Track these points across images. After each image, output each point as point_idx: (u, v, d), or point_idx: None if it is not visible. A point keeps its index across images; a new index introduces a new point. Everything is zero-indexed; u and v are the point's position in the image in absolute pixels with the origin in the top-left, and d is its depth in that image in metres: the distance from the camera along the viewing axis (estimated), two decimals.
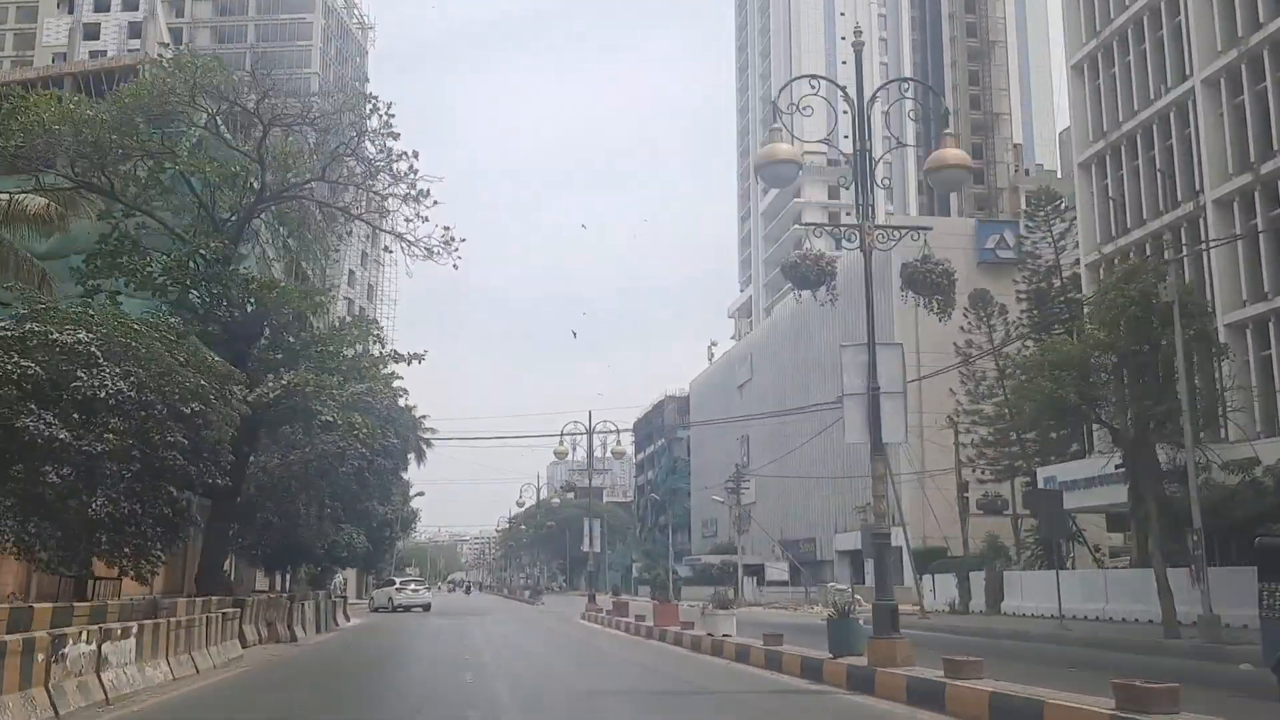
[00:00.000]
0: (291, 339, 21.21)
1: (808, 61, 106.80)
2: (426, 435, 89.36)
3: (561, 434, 35.46)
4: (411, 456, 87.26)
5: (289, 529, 27.82)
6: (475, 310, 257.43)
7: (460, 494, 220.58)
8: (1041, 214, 37.50)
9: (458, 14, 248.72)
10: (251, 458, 25.04)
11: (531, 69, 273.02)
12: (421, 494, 70.64)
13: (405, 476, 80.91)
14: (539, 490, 57.59)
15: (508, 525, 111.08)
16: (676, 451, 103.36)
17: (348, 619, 32.92)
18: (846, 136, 66.69)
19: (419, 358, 22.03)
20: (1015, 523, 45.95)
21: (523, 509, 59.53)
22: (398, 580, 46.28)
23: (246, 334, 21.40)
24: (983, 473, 44.82)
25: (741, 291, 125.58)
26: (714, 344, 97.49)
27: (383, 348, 23.22)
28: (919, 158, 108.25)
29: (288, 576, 38.31)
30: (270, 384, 19.56)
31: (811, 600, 48.98)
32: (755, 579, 58.22)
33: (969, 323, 37.22)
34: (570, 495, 61.59)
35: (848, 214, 75.18)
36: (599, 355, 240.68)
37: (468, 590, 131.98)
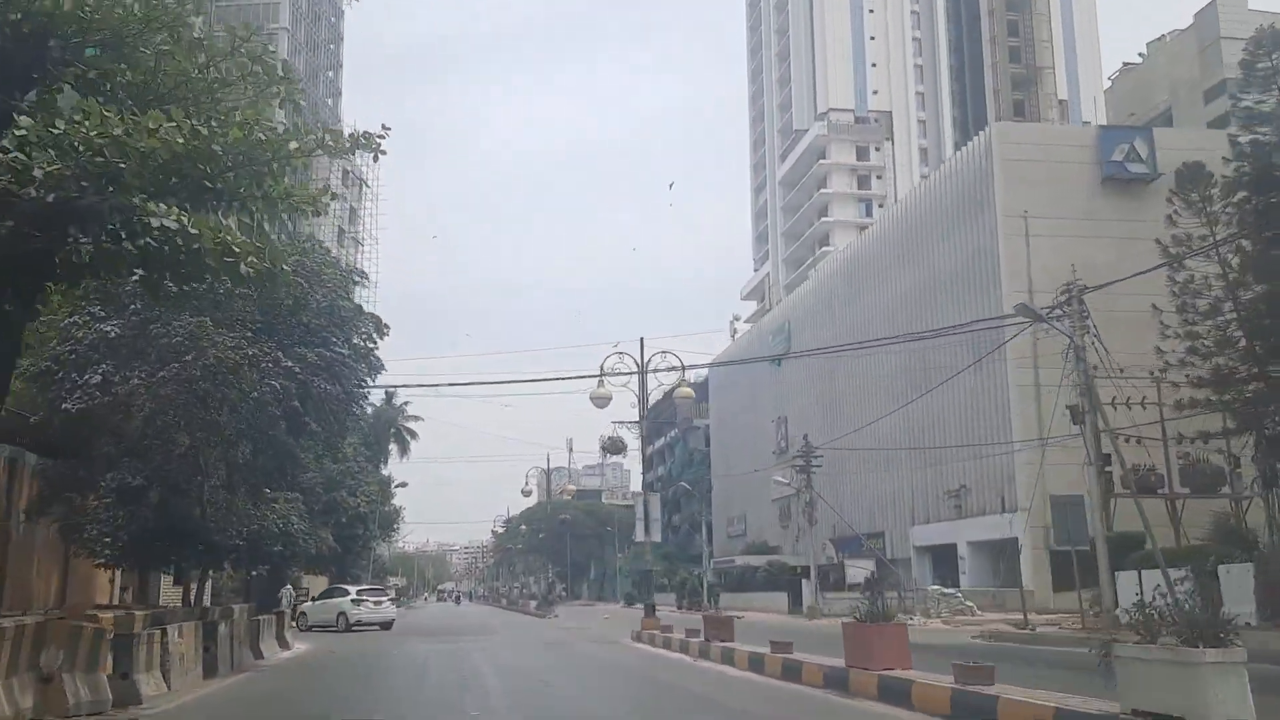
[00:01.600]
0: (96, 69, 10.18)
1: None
2: (410, 423, 78.47)
3: (601, 373, 24.27)
4: (393, 448, 76.47)
5: (171, 503, 16.72)
6: (470, 315, 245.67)
7: (451, 486, 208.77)
8: (1267, 66, 26.57)
9: (438, 23, 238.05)
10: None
11: (510, 78, 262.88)
12: (404, 485, 59.74)
13: (385, 471, 69.95)
14: (549, 475, 46.35)
15: (503, 528, 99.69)
16: (693, 442, 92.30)
17: (286, 646, 21.72)
18: (876, 92, 53.75)
19: (373, 144, 10.86)
20: (1171, 505, 35.22)
21: (528, 498, 48.56)
22: (353, 589, 34.67)
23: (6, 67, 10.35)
24: (1145, 437, 34.15)
25: (756, 270, 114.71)
26: (736, 318, 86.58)
27: (296, 110, 11.80)
28: (953, 92, 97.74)
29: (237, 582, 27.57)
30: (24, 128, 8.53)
31: (909, 608, 37.91)
32: (815, 583, 47.09)
33: (1175, 210, 26.20)
34: (570, 494, 50.52)
35: (879, 177, 64.13)
36: (596, 358, 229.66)
37: (458, 600, 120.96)
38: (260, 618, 20.27)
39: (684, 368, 25.99)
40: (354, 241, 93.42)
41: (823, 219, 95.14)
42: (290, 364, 15.51)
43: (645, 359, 24.60)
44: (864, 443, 47.78)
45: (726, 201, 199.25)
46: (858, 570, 41.09)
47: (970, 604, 36.36)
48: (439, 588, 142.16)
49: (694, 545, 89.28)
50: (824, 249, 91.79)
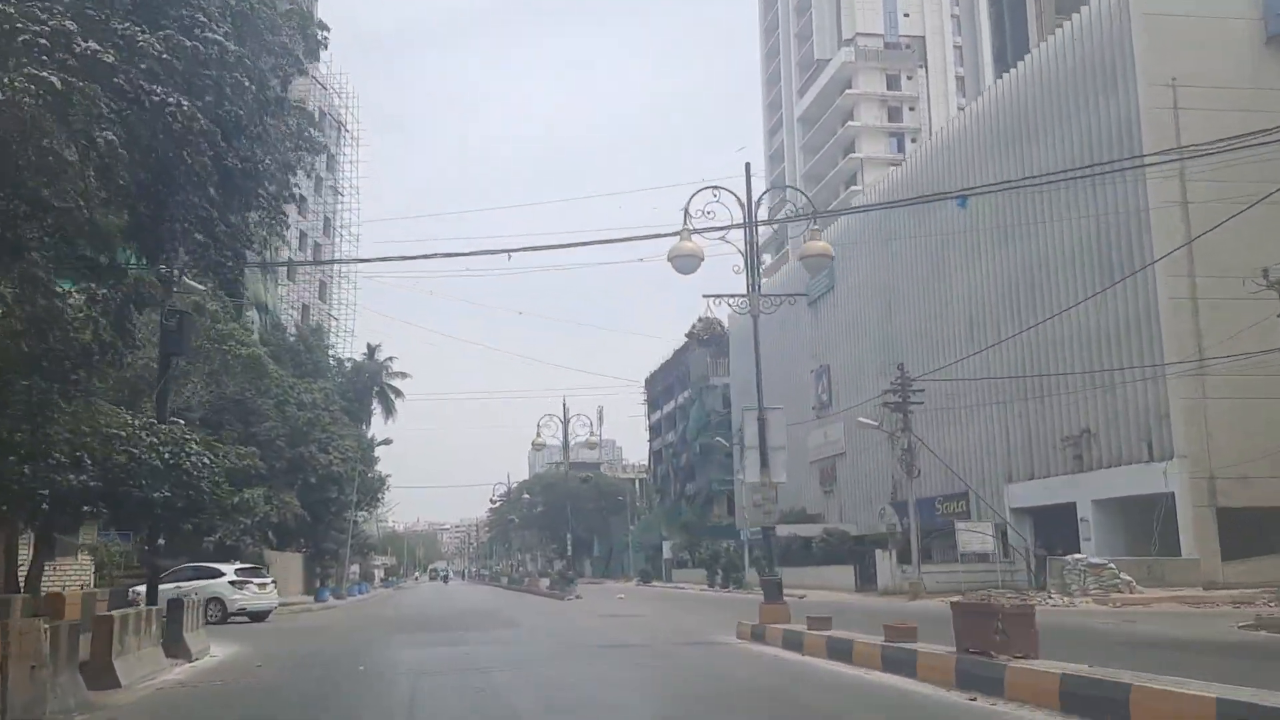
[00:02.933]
0: None
1: None
2: (394, 383, 69.56)
3: (687, 224, 15.09)
4: (377, 408, 67.52)
5: None
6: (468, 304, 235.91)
7: (442, 449, 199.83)
8: None
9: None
10: None
11: (498, 61, 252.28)
12: (387, 442, 50.94)
13: (369, 433, 60.96)
14: (565, 425, 37.49)
15: (500, 501, 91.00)
16: (710, 403, 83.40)
17: (185, 658, 12.94)
18: (907, 15, 40.91)
19: None
20: None
21: (540, 451, 39.55)
22: (230, 568, 25.02)
23: None
24: None
25: None
26: (761, 263, 77.42)
27: None
28: (991, 14, 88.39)
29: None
30: None
31: (1046, 585, 29.30)
32: (893, 555, 38.48)
33: None
34: (593, 445, 41.79)
35: (911, 109, 51.09)
36: (591, 342, 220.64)
37: (445, 579, 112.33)
38: (121, 613, 11.41)
39: (815, 214, 17.19)
40: (333, 190, 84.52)
41: (850, 156, 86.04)
42: (93, 47, 6.56)
43: (753, 199, 15.66)
44: (939, 387, 39.02)
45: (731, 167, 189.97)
46: (972, 536, 32.33)
47: (1127, 578, 27.78)
48: (430, 566, 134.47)
49: (711, 516, 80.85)
50: (852, 189, 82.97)
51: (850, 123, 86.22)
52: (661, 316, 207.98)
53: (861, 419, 35.47)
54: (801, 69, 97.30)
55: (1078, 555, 28.95)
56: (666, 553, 73.10)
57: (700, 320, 20.18)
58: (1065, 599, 27.63)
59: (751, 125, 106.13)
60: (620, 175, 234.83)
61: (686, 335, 18.14)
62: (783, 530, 55.28)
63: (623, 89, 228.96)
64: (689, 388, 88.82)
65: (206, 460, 12.89)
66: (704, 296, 15.34)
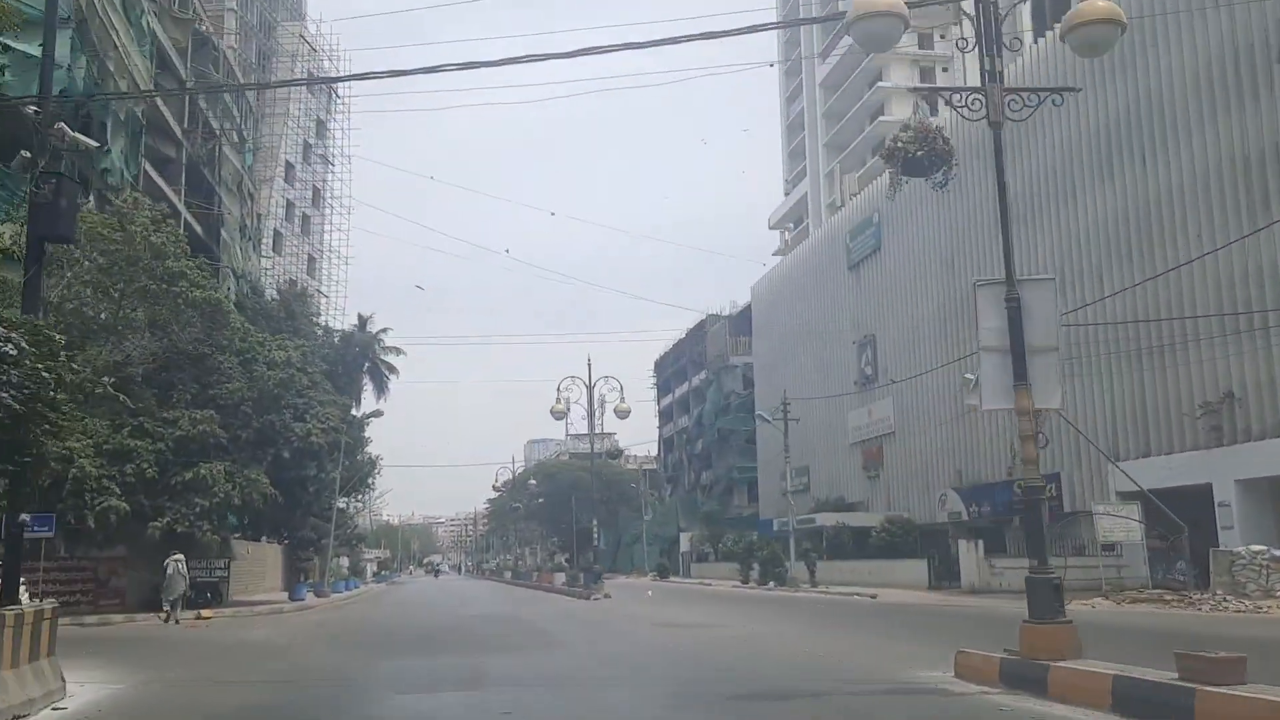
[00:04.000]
0: None
1: None
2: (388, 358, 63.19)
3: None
4: (368, 386, 61.07)
5: None
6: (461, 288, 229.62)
7: (437, 445, 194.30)
8: None
9: None
10: None
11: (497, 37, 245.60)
12: (378, 414, 44.70)
13: (357, 412, 54.60)
14: (591, 388, 31.29)
15: (505, 485, 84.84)
16: (728, 384, 77.17)
17: None
18: None
19: None
20: None
21: (560, 421, 33.20)
22: None
23: None
24: None
25: (788, 194, 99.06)
26: (787, 229, 71.27)
27: None
28: None
29: None
30: None
31: (1211, 584, 23.09)
32: (979, 545, 32.40)
33: None
34: (623, 413, 35.52)
35: (944, 69, 42.80)
36: (589, 327, 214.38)
37: (437, 573, 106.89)
38: None
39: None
40: (322, 159, 78.24)
41: (880, 119, 79.65)
42: None
43: None
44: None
45: (735, 154, 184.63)
46: (1114, 523, 26.12)
47: None
48: (425, 560, 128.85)
49: (732, 506, 74.62)
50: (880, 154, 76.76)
51: (880, 83, 79.98)
52: (662, 310, 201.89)
53: (968, 374, 29.16)
54: (824, 31, 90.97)
55: (1256, 547, 22.77)
56: (684, 545, 66.96)
57: (906, 130, 11.73)
58: (1247, 603, 21.54)
59: (767, 94, 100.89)
60: (620, 155, 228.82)
61: (884, 155, 11.71)
62: (827, 519, 49.43)
63: (624, 64, 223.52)
64: (705, 368, 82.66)
65: (28, 365, 6.58)
66: (911, 90, 9.48)
